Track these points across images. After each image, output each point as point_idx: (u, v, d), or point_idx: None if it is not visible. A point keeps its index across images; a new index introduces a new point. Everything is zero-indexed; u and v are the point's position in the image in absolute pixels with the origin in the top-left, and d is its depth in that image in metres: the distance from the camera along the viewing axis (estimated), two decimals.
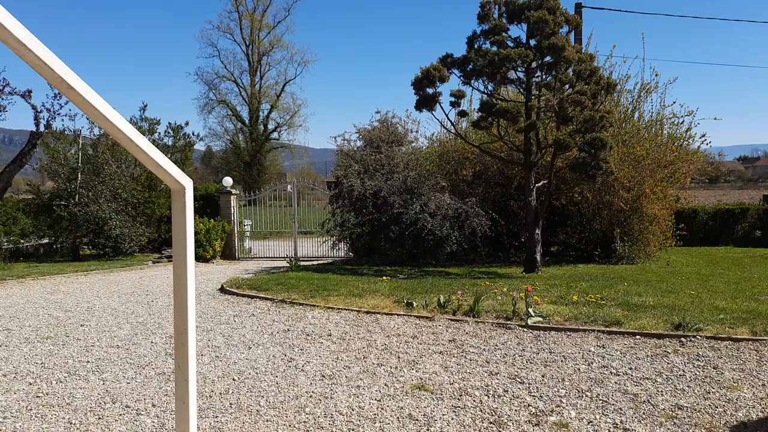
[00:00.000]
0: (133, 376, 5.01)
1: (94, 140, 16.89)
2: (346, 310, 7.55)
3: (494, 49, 10.79)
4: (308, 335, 6.33)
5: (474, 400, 4.26)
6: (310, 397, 4.39)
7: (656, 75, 17.21)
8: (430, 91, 11.29)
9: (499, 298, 7.77)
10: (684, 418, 3.87)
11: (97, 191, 15.35)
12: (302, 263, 13.71)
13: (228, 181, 17.31)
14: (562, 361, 5.24)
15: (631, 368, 4.96)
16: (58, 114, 14.49)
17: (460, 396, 4.36)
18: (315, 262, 14.65)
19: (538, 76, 11.18)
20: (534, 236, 11.01)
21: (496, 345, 5.82)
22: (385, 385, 4.65)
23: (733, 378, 4.67)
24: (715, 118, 17.62)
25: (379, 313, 7.31)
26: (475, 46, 11.19)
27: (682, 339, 5.77)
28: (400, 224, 12.39)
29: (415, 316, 7.11)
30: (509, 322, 6.65)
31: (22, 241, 16.01)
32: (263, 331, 6.57)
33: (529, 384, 4.62)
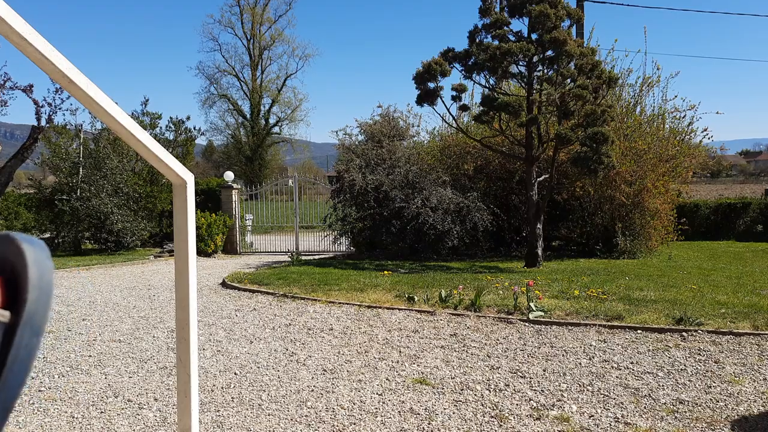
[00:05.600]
0: (135, 370, 5.03)
1: (95, 135, 16.90)
2: (348, 304, 7.56)
3: (496, 43, 10.75)
4: (310, 329, 6.34)
5: (475, 395, 4.27)
6: (312, 391, 4.40)
7: (658, 69, 17.14)
8: (431, 85, 11.27)
9: (501, 292, 7.77)
10: (685, 412, 3.88)
11: (98, 186, 15.37)
12: (304, 258, 13.73)
13: (229, 175, 17.31)
14: (563, 355, 5.24)
15: (632, 362, 4.97)
16: (60, 109, 14.47)
17: (462, 390, 4.37)
18: (316, 257, 14.66)
19: (539, 70, 11.15)
20: (535, 231, 11.01)
21: (498, 339, 5.82)
22: (387, 379, 4.66)
23: (734, 372, 4.67)
24: (717, 113, 17.59)
25: (380, 307, 7.32)
26: (477, 40, 11.16)
27: (684, 333, 5.78)
28: (402, 219, 12.39)
29: (416, 310, 7.11)
30: (511, 316, 6.66)
31: None
32: (265, 326, 6.58)
33: (530, 378, 4.63)
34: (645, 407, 3.97)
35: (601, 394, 4.24)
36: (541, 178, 11.26)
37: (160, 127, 18.53)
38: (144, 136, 1.05)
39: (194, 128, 19.19)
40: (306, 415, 3.92)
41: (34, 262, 0.49)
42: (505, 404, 4.07)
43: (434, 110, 11.97)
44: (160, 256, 14.96)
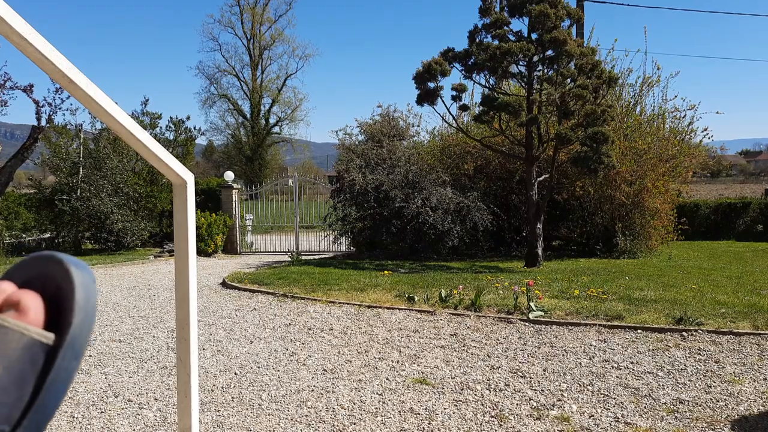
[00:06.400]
0: (135, 370, 5.03)
1: (95, 135, 16.91)
2: (348, 304, 7.56)
3: (496, 43, 10.75)
4: (310, 329, 6.34)
5: (475, 394, 4.27)
6: (312, 391, 4.40)
7: (658, 69, 17.08)
8: (431, 85, 11.27)
9: (501, 292, 7.77)
10: (685, 412, 3.88)
11: (98, 185, 15.37)
12: (304, 257, 13.73)
13: (229, 175, 17.31)
14: (563, 355, 5.24)
15: (632, 362, 4.97)
16: (60, 108, 14.46)
17: (462, 390, 4.37)
18: (316, 257, 14.67)
19: (539, 70, 11.15)
20: (536, 230, 11.00)
21: (498, 339, 5.82)
22: (387, 379, 4.66)
23: (734, 372, 4.67)
24: (717, 112, 17.59)
25: (380, 307, 7.32)
26: (477, 39, 11.16)
27: (684, 333, 5.78)
28: (402, 218, 12.39)
29: (416, 310, 7.11)
30: (511, 316, 6.66)
31: (24, 235, 16.04)
32: (265, 326, 6.58)
33: (530, 378, 4.63)
34: (645, 407, 3.97)
35: (602, 393, 4.24)
36: (541, 178, 11.26)
37: (160, 127, 18.55)
38: (144, 136, 1.05)
39: (194, 128, 19.23)
40: (306, 415, 3.92)
41: (81, 284, 0.49)
42: (506, 404, 4.07)
43: (434, 110, 11.98)
44: (160, 256, 14.96)
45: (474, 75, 11.34)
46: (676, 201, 14.74)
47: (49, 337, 0.47)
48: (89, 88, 0.92)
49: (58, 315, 0.48)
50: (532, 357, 5.21)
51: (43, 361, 0.46)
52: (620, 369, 4.81)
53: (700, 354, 5.17)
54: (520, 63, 10.99)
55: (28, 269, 0.51)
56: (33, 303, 0.48)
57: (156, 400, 4.28)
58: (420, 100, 11.47)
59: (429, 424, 3.74)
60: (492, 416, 3.86)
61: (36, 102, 14.06)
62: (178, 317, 1.18)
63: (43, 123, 14.51)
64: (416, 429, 3.68)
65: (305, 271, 10.35)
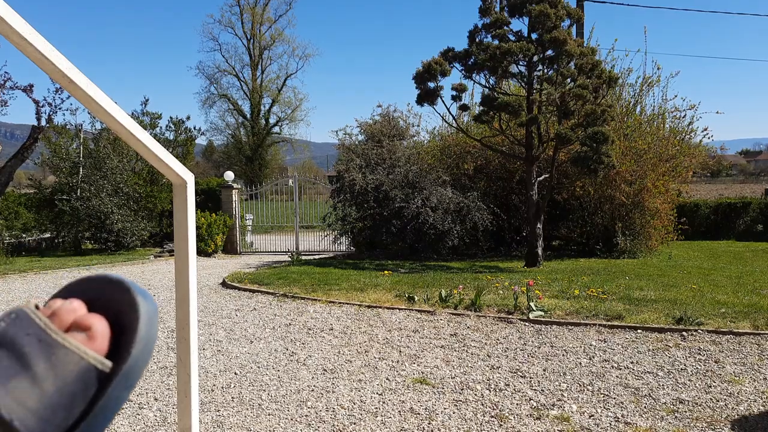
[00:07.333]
0: None
1: (95, 134, 16.93)
2: (348, 304, 7.56)
3: (496, 42, 10.75)
4: (310, 329, 6.34)
5: (475, 394, 4.27)
6: (312, 391, 4.40)
7: (658, 69, 17.08)
8: (431, 85, 11.27)
9: (501, 292, 7.77)
10: (685, 411, 3.88)
11: (98, 185, 15.38)
12: (304, 257, 13.73)
13: (229, 175, 17.31)
14: (563, 355, 5.24)
15: (632, 362, 4.97)
16: (60, 108, 14.50)
17: (462, 390, 4.37)
18: (316, 257, 14.66)
19: (539, 70, 11.15)
20: (536, 230, 11.00)
21: (498, 339, 5.82)
22: (387, 379, 4.66)
23: (734, 372, 4.67)
24: (717, 112, 17.61)
25: (380, 307, 7.32)
26: (477, 39, 11.16)
27: (684, 333, 5.78)
28: (402, 218, 12.39)
29: (416, 310, 7.11)
30: (511, 316, 6.66)
31: (24, 235, 16.05)
32: (265, 326, 6.58)
33: (530, 378, 4.62)
34: (645, 407, 3.97)
35: (601, 393, 4.24)
36: (541, 178, 11.26)
37: (160, 127, 18.57)
38: (144, 136, 1.05)
39: (194, 128, 19.27)
40: (306, 415, 3.92)
41: (145, 314, 0.49)
42: (506, 404, 4.07)
43: (434, 110, 11.98)
44: (160, 256, 14.95)
45: (474, 75, 11.34)
46: (676, 201, 14.74)
47: (106, 365, 0.47)
48: (89, 88, 0.92)
49: (116, 342, 0.48)
50: (532, 357, 5.21)
51: (96, 387, 0.46)
52: (620, 369, 4.81)
53: (700, 354, 5.17)
54: (520, 63, 10.99)
55: (91, 288, 0.51)
56: (103, 330, 0.48)
57: (156, 400, 4.28)
58: (420, 100, 11.47)
59: (429, 424, 3.74)
60: (492, 416, 3.86)
61: (36, 102, 14.08)
62: (178, 317, 1.18)
63: (43, 123, 14.53)
64: (416, 429, 3.68)
65: (305, 271, 10.35)
